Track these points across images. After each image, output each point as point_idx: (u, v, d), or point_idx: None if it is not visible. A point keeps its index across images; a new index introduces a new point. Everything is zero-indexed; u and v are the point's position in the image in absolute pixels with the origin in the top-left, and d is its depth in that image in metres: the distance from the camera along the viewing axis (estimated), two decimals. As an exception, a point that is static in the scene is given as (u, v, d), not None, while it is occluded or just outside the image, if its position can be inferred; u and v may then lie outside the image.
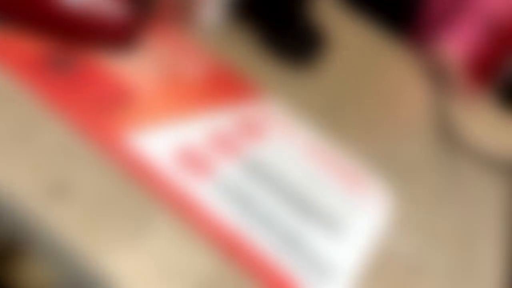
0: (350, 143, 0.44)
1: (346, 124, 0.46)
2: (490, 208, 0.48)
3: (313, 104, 0.46)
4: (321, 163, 0.38)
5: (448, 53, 0.69)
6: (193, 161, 0.32)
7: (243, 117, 0.38)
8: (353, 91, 0.53)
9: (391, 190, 0.41)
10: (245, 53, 0.47)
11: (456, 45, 0.70)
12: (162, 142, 0.31)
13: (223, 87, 0.40)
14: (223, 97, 0.39)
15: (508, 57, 0.72)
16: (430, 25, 0.70)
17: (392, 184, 0.42)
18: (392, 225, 0.38)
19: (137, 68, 0.36)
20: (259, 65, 0.47)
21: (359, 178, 0.40)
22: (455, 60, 0.69)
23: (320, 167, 0.38)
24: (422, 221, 0.41)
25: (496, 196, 0.50)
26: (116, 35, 0.35)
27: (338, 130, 0.44)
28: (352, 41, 0.62)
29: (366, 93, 0.54)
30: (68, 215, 0.24)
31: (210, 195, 0.30)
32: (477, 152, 0.54)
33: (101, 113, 0.31)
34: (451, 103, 0.61)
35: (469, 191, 0.48)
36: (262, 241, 0.29)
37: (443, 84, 0.64)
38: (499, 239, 0.44)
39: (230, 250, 0.28)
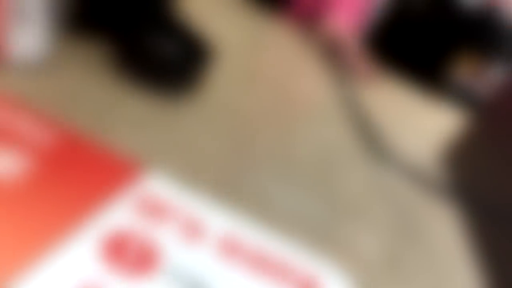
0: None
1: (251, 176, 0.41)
2: (449, 243, 0.45)
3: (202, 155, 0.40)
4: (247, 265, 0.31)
5: (337, 28, 0.67)
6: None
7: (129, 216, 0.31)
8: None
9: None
10: (97, 95, 0.34)
11: (344, 18, 0.68)
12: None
13: (82, 170, 0.31)
14: (90, 191, 0.30)
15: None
16: (313, 4, 0.68)
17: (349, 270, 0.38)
18: None
19: None
20: (124, 106, 0.36)
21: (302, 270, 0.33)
22: (344, 34, 0.66)
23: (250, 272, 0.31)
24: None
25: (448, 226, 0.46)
26: None
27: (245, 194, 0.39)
28: (239, 41, 0.56)
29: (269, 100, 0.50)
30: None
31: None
32: (404, 164, 0.51)
33: None
34: (356, 88, 0.57)
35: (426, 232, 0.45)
36: None
37: (340, 64, 0.61)
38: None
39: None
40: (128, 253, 0.29)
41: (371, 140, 0.50)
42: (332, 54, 0.65)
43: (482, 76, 1.02)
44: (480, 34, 0.99)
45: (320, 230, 0.39)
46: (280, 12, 0.70)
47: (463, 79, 0.99)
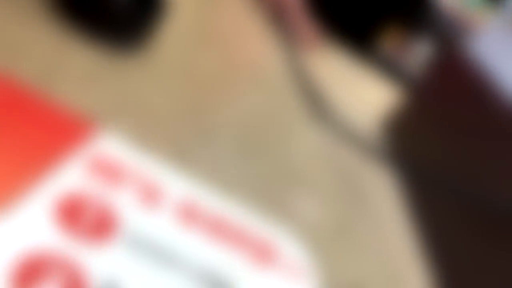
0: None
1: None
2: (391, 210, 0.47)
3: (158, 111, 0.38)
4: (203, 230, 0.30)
5: None
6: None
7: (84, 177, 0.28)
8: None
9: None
10: (39, 40, 0.32)
11: None
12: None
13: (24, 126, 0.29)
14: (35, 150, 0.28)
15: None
16: None
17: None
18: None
19: None
20: (69, 57, 0.34)
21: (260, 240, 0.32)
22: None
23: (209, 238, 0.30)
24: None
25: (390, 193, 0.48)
26: None
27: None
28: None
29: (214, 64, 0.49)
30: None
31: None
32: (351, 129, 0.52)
33: None
34: (301, 53, 0.59)
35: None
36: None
37: (285, 26, 0.63)
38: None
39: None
40: (83, 218, 0.27)
41: (316, 106, 0.50)
42: (278, 18, 0.64)
43: (408, 48, 1.05)
44: (407, 7, 1.02)
45: (268, 195, 0.38)
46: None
47: (390, 50, 1.02)
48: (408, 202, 0.47)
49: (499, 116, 0.44)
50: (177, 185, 0.32)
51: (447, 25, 1.00)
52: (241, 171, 0.39)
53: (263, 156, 0.42)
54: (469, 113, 0.47)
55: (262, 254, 0.32)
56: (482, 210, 0.38)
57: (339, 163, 0.47)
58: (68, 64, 0.35)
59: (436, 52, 0.92)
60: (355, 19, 0.95)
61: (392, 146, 0.52)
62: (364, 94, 0.66)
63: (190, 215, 0.31)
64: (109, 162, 0.30)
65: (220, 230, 0.31)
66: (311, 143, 0.47)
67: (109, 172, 0.30)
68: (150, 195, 0.30)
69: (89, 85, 0.35)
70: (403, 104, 0.55)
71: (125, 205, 0.29)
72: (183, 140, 0.37)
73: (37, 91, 0.32)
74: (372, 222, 0.44)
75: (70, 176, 0.28)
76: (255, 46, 0.57)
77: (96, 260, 0.25)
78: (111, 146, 0.32)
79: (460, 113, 0.47)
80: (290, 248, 0.34)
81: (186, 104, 0.41)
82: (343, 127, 0.51)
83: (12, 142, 0.28)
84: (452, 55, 0.52)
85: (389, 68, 0.96)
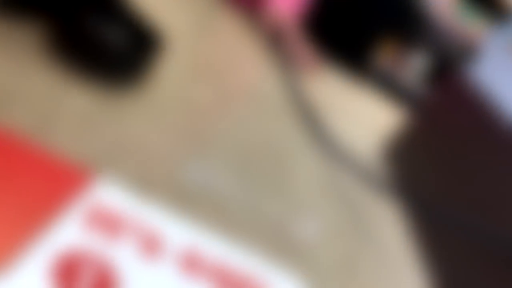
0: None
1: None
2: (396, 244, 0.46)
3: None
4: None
5: (279, 17, 0.68)
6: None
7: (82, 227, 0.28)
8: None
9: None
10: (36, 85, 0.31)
11: (285, 8, 0.69)
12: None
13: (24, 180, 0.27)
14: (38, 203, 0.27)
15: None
16: None
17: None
18: None
19: None
20: (65, 101, 0.32)
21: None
22: (286, 23, 0.68)
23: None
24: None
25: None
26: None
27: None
28: (186, 29, 0.54)
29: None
30: None
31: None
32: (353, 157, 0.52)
33: None
34: (299, 78, 0.58)
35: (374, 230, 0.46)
36: None
37: (282, 50, 0.63)
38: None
39: None
40: (82, 278, 0.26)
41: (315, 131, 0.50)
42: (275, 43, 0.64)
43: (405, 63, 1.05)
44: (402, 22, 1.02)
45: (270, 228, 0.38)
46: (228, 0, 0.68)
47: (387, 66, 1.02)
48: (413, 235, 0.47)
49: (500, 141, 0.43)
50: (178, 233, 0.32)
51: (444, 39, 1.00)
52: (242, 207, 0.38)
53: (263, 188, 0.41)
54: (470, 139, 0.46)
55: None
56: (488, 245, 0.37)
57: (340, 192, 0.47)
58: (64, 111, 0.34)
59: (435, 71, 0.92)
60: (351, 37, 0.95)
61: (394, 173, 0.52)
62: (364, 116, 0.65)
63: (191, 264, 0.30)
64: (107, 213, 0.30)
65: (222, 278, 0.31)
66: (311, 172, 0.47)
67: (107, 224, 0.29)
68: (151, 247, 0.30)
69: (86, 131, 0.34)
70: (403, 129, 0.55)
71: (125, 259, 0.28)
72: (181, 178, 0.37)
73: (33, 140, 0.31)
74: (377, 256, 0.43)
75: (67, 231, 0.27)
76: (252, 73, 0.56)
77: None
78: (108, 194, 0.31)
79: (461, 139, 0.47)
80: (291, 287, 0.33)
81: (184, 139, 0.40)
82: (343, 154, 0.51)
83: (7, 197, 0.27)
84: (452, 78, 0.51)
85: (387, 84, 0.95)
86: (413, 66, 1.03)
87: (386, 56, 1.01)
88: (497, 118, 0.44)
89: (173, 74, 0.46)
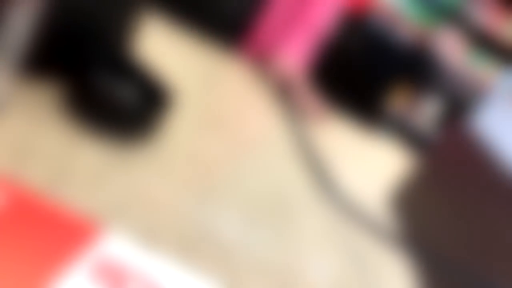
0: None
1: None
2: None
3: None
4: None
5: (287, 67, 0.69)
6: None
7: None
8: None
9: None
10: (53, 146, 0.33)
11: (293, 58, 0.70)
12: None
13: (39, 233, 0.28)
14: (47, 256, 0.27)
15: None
16: (264, 41, 0.71)
17: None
18: None
19: None
20: (78, 157, 0.34)
21: None
22: (294, 73, 0.69)
23: None
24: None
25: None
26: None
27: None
28: (195, 83, 0.55)
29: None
30: None
31: None
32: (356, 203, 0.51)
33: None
34: (308, 128, 0.59)
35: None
36: None
37: (290, 101, 0.63)
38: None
39: None
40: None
41: (323, 182, 0.50)
42: (283, 93, 0.65)
43: (416, 108, 1.06)
44: (413, 68, 1.03)
45: (277, 276, 0.38)
46: (235, 52, 0.70)
47: (398, 111, 1.03)
48: (419, 283, 0.47)
49: (505, 193, 0.43)
50: (184, 286, 0.32)
51: (455, 85, 1.01)
52: (249, 256, 0.38)
53: (270, 241, 0.42)
54: (476, 189, 0.46)
55: None
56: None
57: (347, 242, 0.47)
58: (76, 166, 0.36)
59: (445, 117, 0.93)
60: (362, 83, 0.96)
61: (402, 225, 0.52)
62: (374, 165, 0.66)
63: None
64: (115, 265, 0.31)
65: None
66: (317, 221, 0.47)
67: (114, 276, 0.30)
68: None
69: (98, 185, 0.36)
70: (412, 176, 0.55)
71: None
72: (189, 229, 0.38)
73: (45, 195, 0.33)
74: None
75: (75, 283, 0.28)
76: (261, 123, 0.58)
77: None
78: (117, 248, 0.32)
79: (467, 189, 0.47)
80: None
81: (192, 194, 0.41)
82: (350, 203, 0.51)
83: (19, 252, 0.28)
84: (459, 125, 0.52)
85: (399, 130, 0.96)
86: (425, 112, 1.04)
87: (399, 101, 1.03)
88: (500, 168, 0.44)
89: (182, 127, 0.48)
